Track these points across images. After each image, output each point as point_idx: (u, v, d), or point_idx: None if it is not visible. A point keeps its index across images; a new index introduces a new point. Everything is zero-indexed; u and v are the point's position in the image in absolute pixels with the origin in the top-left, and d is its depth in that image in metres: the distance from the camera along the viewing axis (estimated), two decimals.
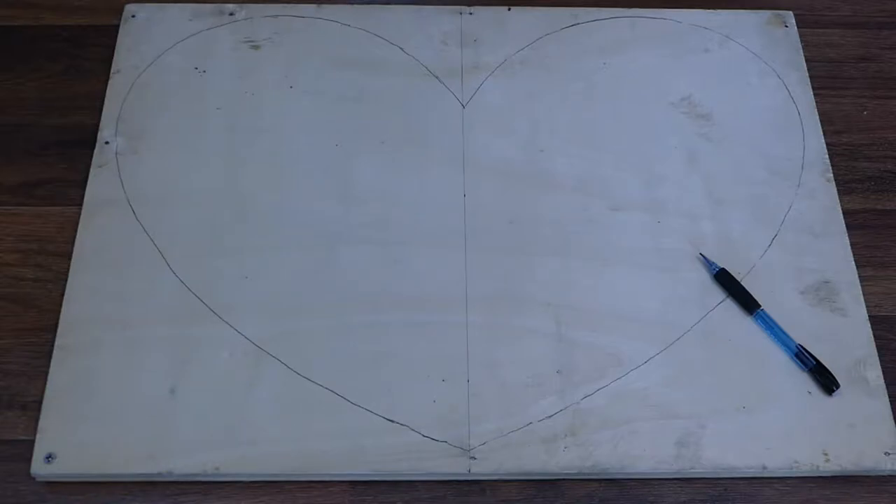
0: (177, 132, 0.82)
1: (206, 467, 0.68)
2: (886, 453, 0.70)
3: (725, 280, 0.76)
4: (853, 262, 0.78)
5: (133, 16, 0.88)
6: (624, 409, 0.71)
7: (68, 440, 0.68)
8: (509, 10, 0.91)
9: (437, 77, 0.86)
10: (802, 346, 0.73)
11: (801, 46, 0.90)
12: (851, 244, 0.79)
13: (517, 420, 0.70)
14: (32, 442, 0.68)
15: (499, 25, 0.90)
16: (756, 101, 0.87)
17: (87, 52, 0.86)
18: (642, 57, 0.89)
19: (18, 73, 0.86)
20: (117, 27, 0.88)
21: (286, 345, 0.72)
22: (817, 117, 0.86)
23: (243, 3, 0.90)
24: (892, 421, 0.71)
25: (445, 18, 0.90)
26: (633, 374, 0.72)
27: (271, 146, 0.82)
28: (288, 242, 0.77)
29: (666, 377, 0.72)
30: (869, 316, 0.76)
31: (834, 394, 0.72)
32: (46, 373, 0.71)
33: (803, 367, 0.73)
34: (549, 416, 0.70)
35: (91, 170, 0.80)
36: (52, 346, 0.72)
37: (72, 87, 0.86)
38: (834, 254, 0.78)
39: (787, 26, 0.91)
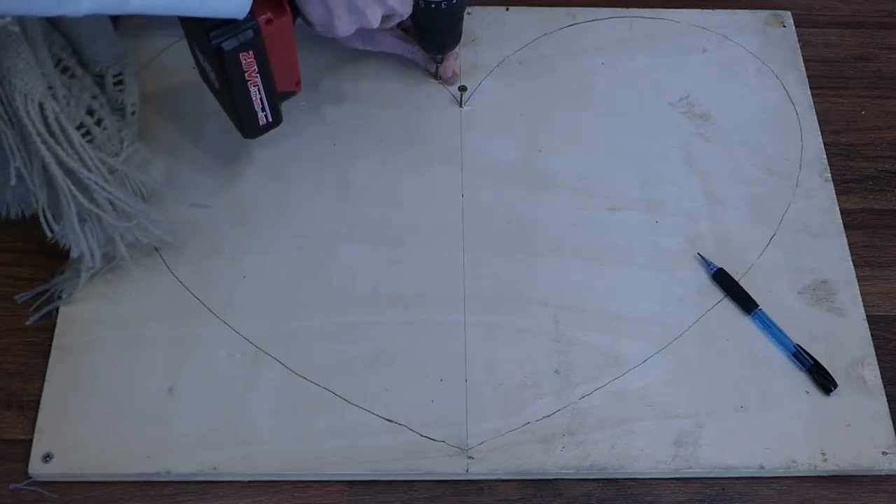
0: (174, 132, 0.82)
1: (204, 467, 0.68)
2: (884, 453, 0.70)
3: (723, 280, 0.76)
4: (851, 262, 0.78)
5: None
6: (622, 409, 0.71)
7: (66, 440, 0.68)
8: (507, 10, 0.91)
9: (435, 77, 0.86)
10: (800, 346, 0.73)
11: (798, 46, 0.90)
12: (849, 244, 0.79)
13: (515, 420, 0.70)
14: (30, 441, 0.68)
15: (497, 25, 0.90)
16: (754, 101, 0.87)
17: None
18: (640, 57, 0.89)
19: None
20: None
21: (284, 344, 0.72)
22: (815, 117, 0.86)
23: None
24: (890, 420, 0.71)
25: None
26: (631, 373, 0.72)
27: (269, 146, 0.82)
28: (286, 242, 0.77)
29: (664, 377, 0.72)
30: (867, 315, 0.76)
31: (832, 393, 0.72)
32: (44, 372, 0.71)
33: (801, 366, 0.73)
34: (547, 416, 0.70)
35: None
36: (50, 345, 0.72)
37: None
38: (831, 253, 0.78)
39: (784, 26, 0.92)
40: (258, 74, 0.70)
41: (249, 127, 0.74)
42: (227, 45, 0.67)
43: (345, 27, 0.71)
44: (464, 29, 0.83)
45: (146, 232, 0.73)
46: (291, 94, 0.75)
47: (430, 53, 0.84)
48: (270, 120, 0.74)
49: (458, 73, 0.86)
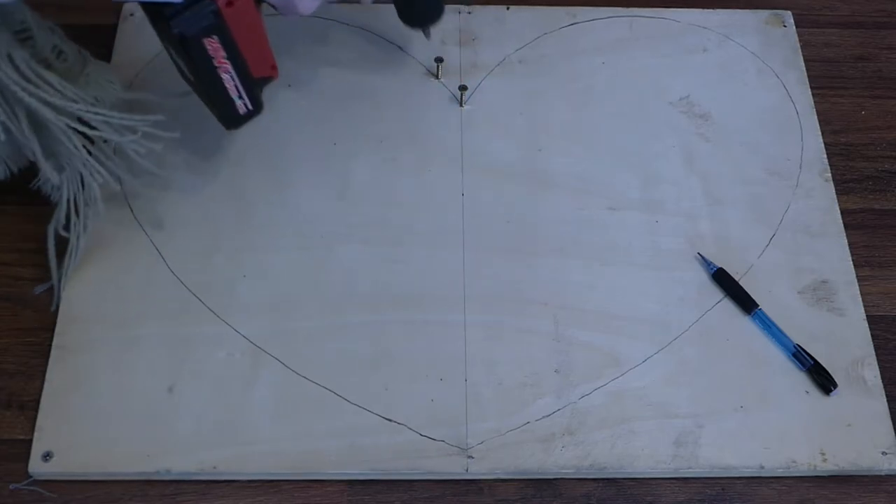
0: (175, 131, 0.82)
1: (204, 466, 0.68)
2: (883, 453, 0.70)
3: (723, 280, 0.76)
4: (851, 262, 0.78)
5: (131, 14, 0.88)
6: (622, 409, 0.71)
7: (66, 439, 0.68)
8: (508, 9, 0.91)
9: (435, 76, 0.86)
10: (800, 346, 0.73)
11: (799, 46, 0.90)
12: (849, 244, 0.79)
13: (515, 419, 0.70)
14: (30, 441, 0.68)
15: (497, 24, 0.90)
16: (754, 101, 0.87)
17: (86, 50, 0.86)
18: (641, 56, 0.89)
19: None
20: (115, 26, 0.88)
21: (284, 344, 0.72)
22: (815, 117, 0.86)
23: None
24: (890, 420, 0.71)
25: (444, 17, 0.89)
26: (631, 373, 0.72)
27: (269, 145, 0.82)
28: (286, 241, 0.77)
29: (664, 377, 0.72)
30: (867, 315, 0.76)
31: (831, 393, 0.72)
32: (44, 372, 0.71)
33: (801, 366, 0.73)
34: (547, 416, 0.70)
35: None
36: (50, 345, 0.72)
37: None
38: (832, 253, 0.78)
39: (785, 26, 0.92)
40: (228, 61, 0.69)
41: (229, 117, 0.73)
42: (188, 32, 0.65)
43: (306, 5, 0.70)
44: (464, 28, 0.83)
45: (153, 137, 0.72)
46: (269, 79, 0.73)
47: (410, 27, 0.83)
48: (251, 108, 0.73)
49: None
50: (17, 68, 0.65)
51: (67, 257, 0.74)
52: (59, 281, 0.74)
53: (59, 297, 0.74)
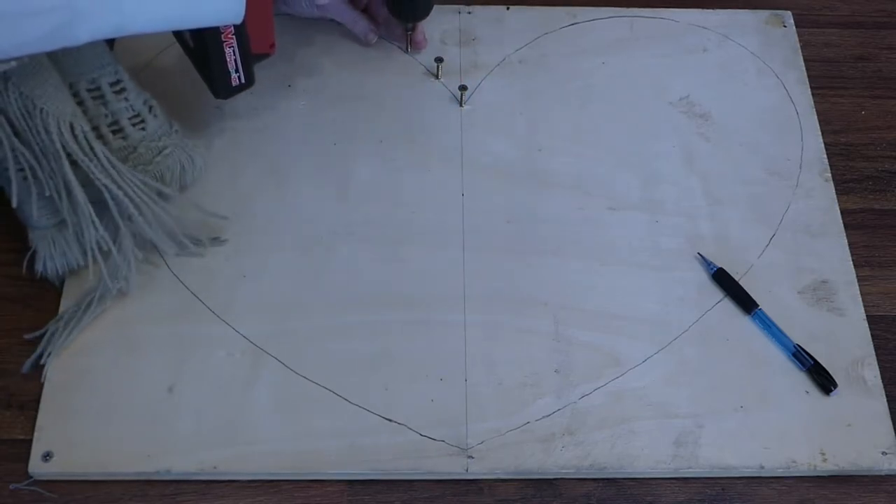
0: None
1: (204, 466, 0.68)
2: (883, 453, 0.70)
3: (723, 280, 0.76)
4: (851, 262, 0.78)
5: None
6: (622, 409, 0.71)
7: (66, 439, 0.68)
8: (508, 9, 0.91)
9: (435, 76, 0.86)
10: (800, 346, 0.73)
11: (799, 46, 0.90)
12: (849, 244, 0.79)
13: (515, 419, 0.70)
14: (30, 441, 0.68)
15: (497, 25, 0.90)
16: (754, 101, 0.87)
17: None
18: (641, 56, 0.89)
19: None
20: None
21: (284, 344, 0.72)
22: (815, 117, 0.86)
23: None
24: (890, 420, 0.71)
25: (444, 17, 0.90)
26: (631, 373, 0.72)
27: (269, 145, 0.82)
28: (286, 241, 0.77)
29: (664, 377, 0.72)
30: (867, 315, 0.76)
31: (831, 393, 0.72)
32: (44, 372, 0.71)
33: (801, 366, 0.73)
34: (547, 416, 0.70)
35: None
36: None
37: None
38: (832, 253, 0.78)
39: (785, 26, 0.92)
40: (234, 36, 0.70)
41: (222, 87, 0.75)
42: None
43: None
44: (464, 28, 0.83)
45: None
46: (265, 56, 0.75)
47: (400, 22, 0.84)
48: (243, 81, 0.75)
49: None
50: (75, 137, 0.67)
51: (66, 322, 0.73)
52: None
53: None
